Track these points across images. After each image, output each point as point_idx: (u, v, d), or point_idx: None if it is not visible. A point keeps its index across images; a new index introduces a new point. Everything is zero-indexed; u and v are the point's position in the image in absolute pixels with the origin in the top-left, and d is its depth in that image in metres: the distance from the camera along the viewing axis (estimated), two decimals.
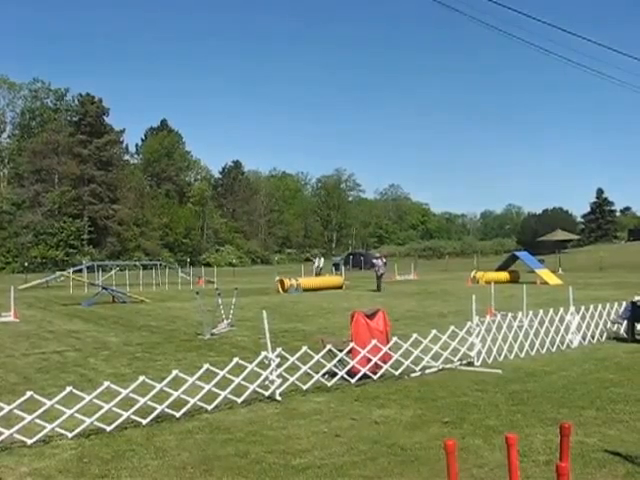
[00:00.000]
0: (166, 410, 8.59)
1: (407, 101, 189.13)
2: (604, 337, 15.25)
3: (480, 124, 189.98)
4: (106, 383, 8.36)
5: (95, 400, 8.15)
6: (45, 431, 7.78)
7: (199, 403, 8.94)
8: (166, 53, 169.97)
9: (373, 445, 7.42)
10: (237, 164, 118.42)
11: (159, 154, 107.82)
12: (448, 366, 11.85)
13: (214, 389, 9.10)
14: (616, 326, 15.74)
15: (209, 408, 9.01)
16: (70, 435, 7.85)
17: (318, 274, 36.63)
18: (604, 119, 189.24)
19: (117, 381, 9.76)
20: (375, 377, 10.91)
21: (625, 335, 15.28)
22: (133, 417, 8.35)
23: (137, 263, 50.31)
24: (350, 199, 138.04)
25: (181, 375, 8.90)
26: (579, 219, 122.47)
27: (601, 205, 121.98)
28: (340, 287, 37.31)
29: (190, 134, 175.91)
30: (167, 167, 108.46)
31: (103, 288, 30.89)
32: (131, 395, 8.40)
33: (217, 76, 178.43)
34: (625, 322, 15.41)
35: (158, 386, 8.62)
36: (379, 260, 37.02)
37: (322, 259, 50.00)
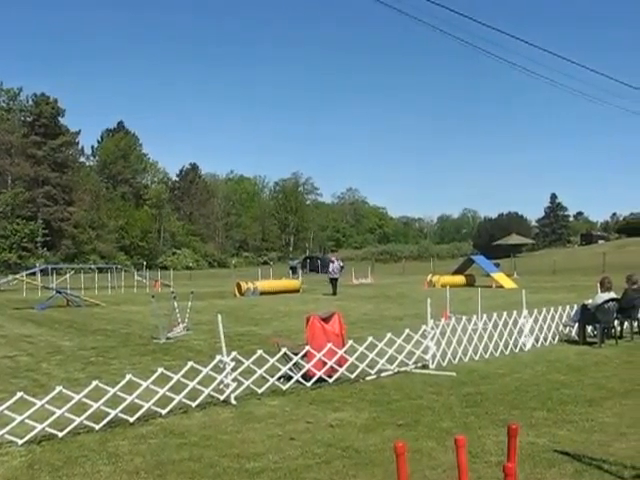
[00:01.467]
0: (120, 415, 8.51)
1: (365, 104, 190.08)
2: (556, 339, 15.48)
3: (438, 128, 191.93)
4: (58, 388, 8.24)
5: (47, 405, 8.04)
6: None
7: (153, 407, 8.87)
8: (123, 54, 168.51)
9: (328, 448, 7.44)
10: (194, 167, 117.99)
11: (115, 156, 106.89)
12: (403, 369, 11.92)
13: (168, 393, 9.03)
14: (568, 329, 16.00)
15: (163, 412, 8.94)
16: (20, 442, 7.71)
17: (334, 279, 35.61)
18: (559, 126, 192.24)
19: (70, 386, 9.65)
20: (330, 380, 10.93)
21: (576, 337, 15.55)
22: (86, 422, 8.25)
23: (92, 266, 49.87)
24: (308, 203, 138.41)
25: (135, 379, 8.82)
26: (533, 223, 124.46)
27: (555, 210, 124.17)
28: (297, 290, 37.37)
29: (147, 136, 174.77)
30: (123, 169, 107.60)
31: (57, 291, 30.52)
32: (84, 400, 8.29)
33: (175, 78, 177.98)
34: (576, 325, 15.67)
35: (112, 391, 8.53)
36: (334, 264, 37.05)
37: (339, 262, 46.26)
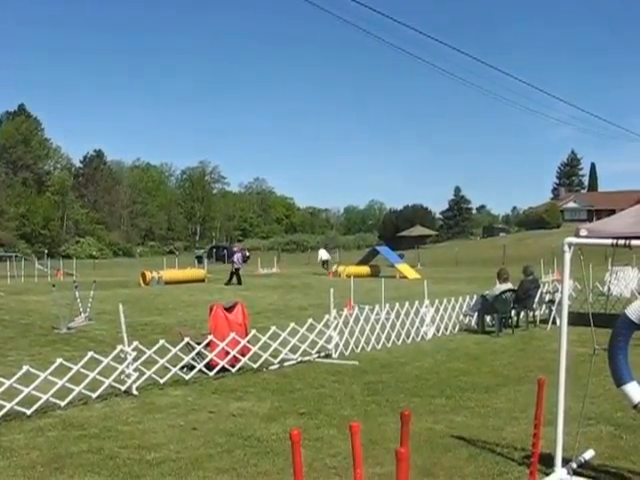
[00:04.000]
0: (16, 407, 8.27)
1: (272, 92, 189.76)
2: (457, 329, 15.92)
3: (345, 119, 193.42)
4: None
5: None
6: None
7: (52, 399, 8.66)
8: (23, 34, 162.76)
9: (230, 437, 7.46)
10: (99, 153, 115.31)
11: (15, 140, 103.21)
12: (306, 358, 12.03)
13: (68, 384, 8.84)
14: (467, 318, 16.47)
15: (62, 404, 8.75)
16: None
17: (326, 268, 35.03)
18: (465, 120, 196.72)
19: None
20: (233, 370, 10.95)
21: (476, 327, 16.03)
22: None
23: None
24: (215, 192, 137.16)
25: (33, 371, 8.60)
26: (438, 216, 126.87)
27: (458, 203, 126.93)
28: (202, 280, 37.10)
29: (50, 121, 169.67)
30: (24, 154, 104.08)
31: None
32: None
33: (79, 62, 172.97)
34: (476, 314, 16.16)
35: (7, 382, 8.30)
36: (238, 254, 36.93)
37: (325, 250, 44.81)
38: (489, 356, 12.68)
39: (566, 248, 5.89)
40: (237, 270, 35.25)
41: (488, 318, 16.14)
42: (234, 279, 34.99)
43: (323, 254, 39.28)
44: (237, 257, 36.07)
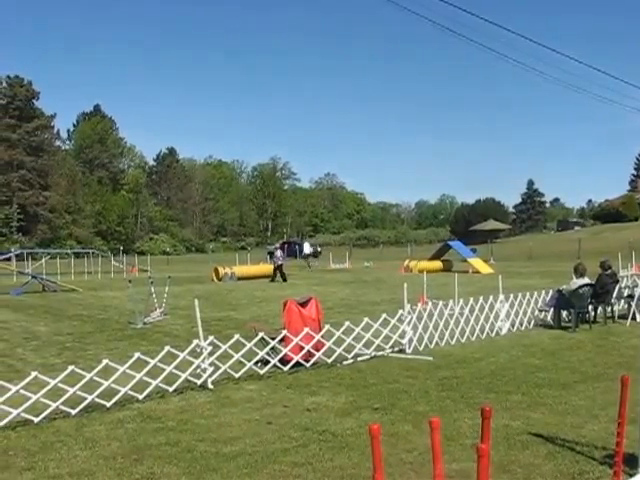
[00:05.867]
0: (96, 400, 8.48)
1: (344, 89, 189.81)
2: (532, 324, 15.62)
3: (417, 114, 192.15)
4: (34, 373, 8.20)
5: (22, 391, 7.99)
6: None
7: (130, 392, 8.85)
8: (100, 37, 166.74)
9: (304, 432, 7.48)
10: (172, 151, 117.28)
11: (92, 140, 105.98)
12: (380, 353, 11.99)
13: (145, 378, 9.02)
14: (543, 313, 16.15)
15: (140, 397, 8.93)
16: None
17: (309, 262, 35.23)
18: (536, 111, 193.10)
19: (46, 371, 9.59)
20: (307, 365, 10.97)
21: (551, 322, 15.70)
22: (62, 407, 8.22)
23: (69, 251, 49.45)
24: (286, 188, 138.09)
25: (112, 364, 8.80)
26: (511, 209, 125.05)
27: (532, 196, 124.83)
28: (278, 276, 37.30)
29: (124, 120, 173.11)
30: (100, 153, 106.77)
31: (33, 277, 30.31)
32: (60, 385, 8.26)
33: (152, 61, 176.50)
34: (552, 309, 15.83)
35: (88, 376, 8.50)
36: (279, 250, 36.70)
37: (309, 245, 45.43)
38: (566, 352, 12.39)
39: None
40: (280, 267, 34.90)
41: (564, 313, 15.79)
42: (278, 276, 34.57)
43: (306, 248, 39.07)
44: (279, 253, 35.89)
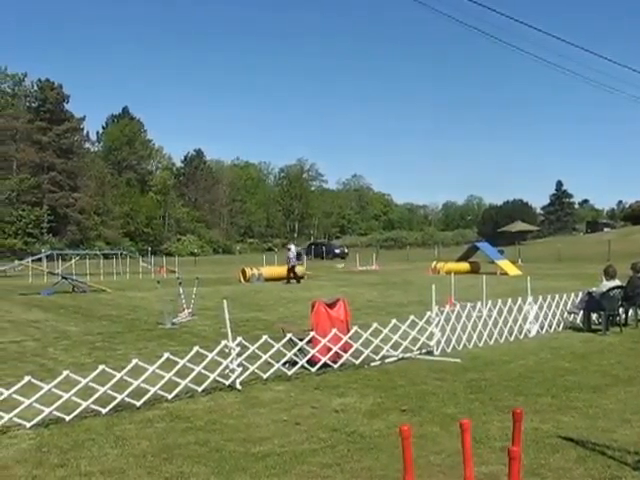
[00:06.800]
0: (126, 399, 8.57)
1: (370, 90, 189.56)
2: (561, 327, 15.51)
3: (443, 115, 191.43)
4: (65, 372, 8.31)
5: (54, 389, 8.10)
6: (3, 421, 7.72)
7: (159, 392, 8.92)
8: (128, 39, 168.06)
9: (333, 433, 7.49)
10: (199, 153, 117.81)
11: (120, 142, 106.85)
12: (408, 355, 11.96)
13: (174, 378, 9.09)
14: (572, 316, 16.01)
15: (169, 397, 9.00)
16: (28, 425, 7.80)
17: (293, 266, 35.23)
18: (565, 112, 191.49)
19: (77, 370, 9.66)
20: (335, 366, 10.98)
21: (581, 325, 15.57)
22: (93, 406, 8.31)
23: (98, 252, 49.90)
24: (312, 189, 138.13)
25: (141, 364, 8.87)
26: (539, 211, 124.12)
27: (560, 197, 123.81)
28: (302, 277, 37.33)
29: (152, 122, 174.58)
30: (128, 155, 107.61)
31: (63, 277, 30.60)
32: (91, 384, 8.35)
33: (180, 64, 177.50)
34: (581, 312, 15.69)
35: (118, 375, 8.58)
36: (290, 252, 35.64)
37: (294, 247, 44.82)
38: (596, 355, 12.28)
39: None
40: (292, 268, 34.54)
41: (594, 316, 15.66)
42: (293, 278, 34.16)
43: (292, 250, 38.81)
44: (291, 254, 35.13)
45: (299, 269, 38.81)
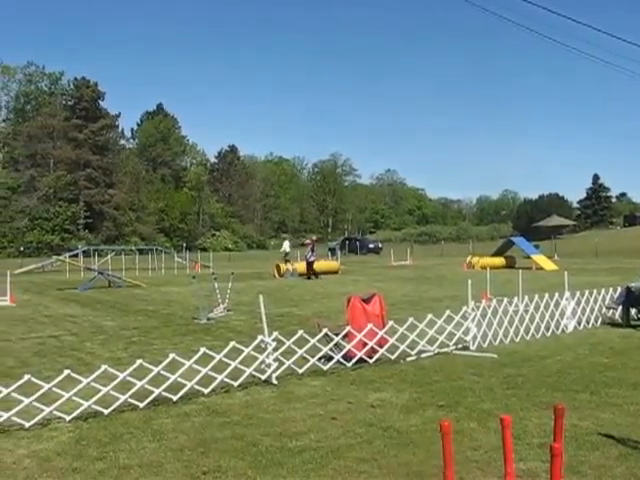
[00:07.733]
0: (163, 393, 8.64)
1: (403, 86, 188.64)
2: (599, 322, 15.32)
3: (477, 109, 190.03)
4: (103, 366, 8.40)
5: (92, 383, 8.19)
6: (43, 414, 7.83)
7: (196, 386, 8.98)
8: (162, 37, 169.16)
9: (369, 428, 7.47)
10: (233, 149, 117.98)
11: (155, 138, 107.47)
12: (444, 350, 11.90)
13: (211, 373, 9.14)
14: (611, 311, 15.80)
15: (206, 391, 9.06)
16: (68, 418, 7.90)
17: (287, 260, 35.23)
18: (602, 105, 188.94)
19: (114, 365, 9.76)
20: (371, 361, 10.97)
21: (620, 320, 15.36)
22: (130, 400, 8.39)
23: (133, 248, 50.23)
24: (346, 184, 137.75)
25: (178, 359, 8.93)
26: (575, 205, 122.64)
27: (597, 191, 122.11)
28: (336, 272, 37.32)
29: (186, 118, 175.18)
30: (163, 152, 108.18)
31: (99, 273, 30.88)
32: (128, 378, 8.43)
33: (213, 60, 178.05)
34: (620, 307, 15.48)
35: (155, 370, 8.65)
36: (308, 247, 35.23)
37: (288, 242, 44.43)
38: (636, 351, 12.11)
39: None
40: (310, 263, 34.15)
41: (633, 311, 15.43)
42: (313, 273, 33.82)
43: (286, 246, 38.55)
44: (309, 250, 34.79)
45: (331, 264, 38.73)
